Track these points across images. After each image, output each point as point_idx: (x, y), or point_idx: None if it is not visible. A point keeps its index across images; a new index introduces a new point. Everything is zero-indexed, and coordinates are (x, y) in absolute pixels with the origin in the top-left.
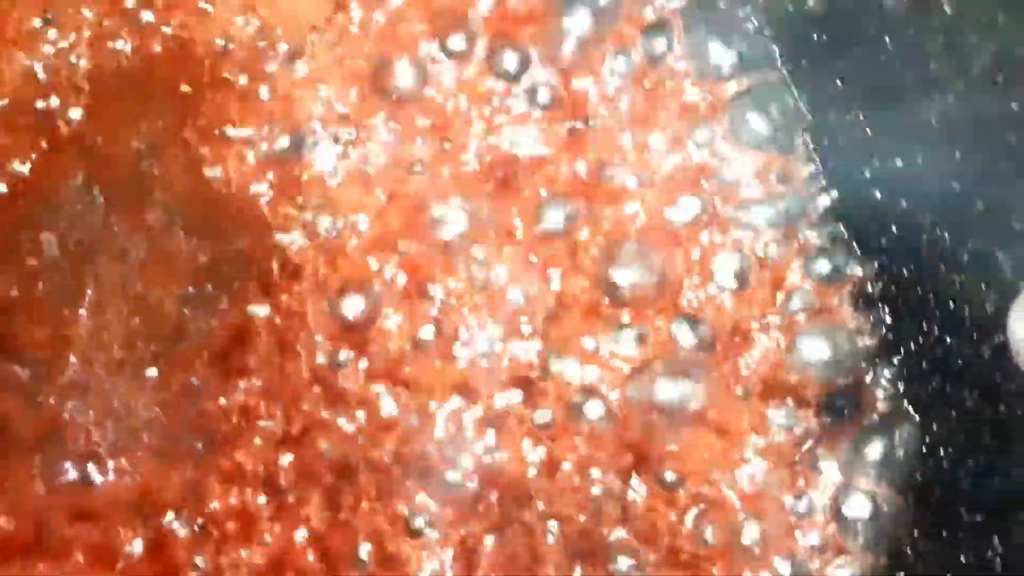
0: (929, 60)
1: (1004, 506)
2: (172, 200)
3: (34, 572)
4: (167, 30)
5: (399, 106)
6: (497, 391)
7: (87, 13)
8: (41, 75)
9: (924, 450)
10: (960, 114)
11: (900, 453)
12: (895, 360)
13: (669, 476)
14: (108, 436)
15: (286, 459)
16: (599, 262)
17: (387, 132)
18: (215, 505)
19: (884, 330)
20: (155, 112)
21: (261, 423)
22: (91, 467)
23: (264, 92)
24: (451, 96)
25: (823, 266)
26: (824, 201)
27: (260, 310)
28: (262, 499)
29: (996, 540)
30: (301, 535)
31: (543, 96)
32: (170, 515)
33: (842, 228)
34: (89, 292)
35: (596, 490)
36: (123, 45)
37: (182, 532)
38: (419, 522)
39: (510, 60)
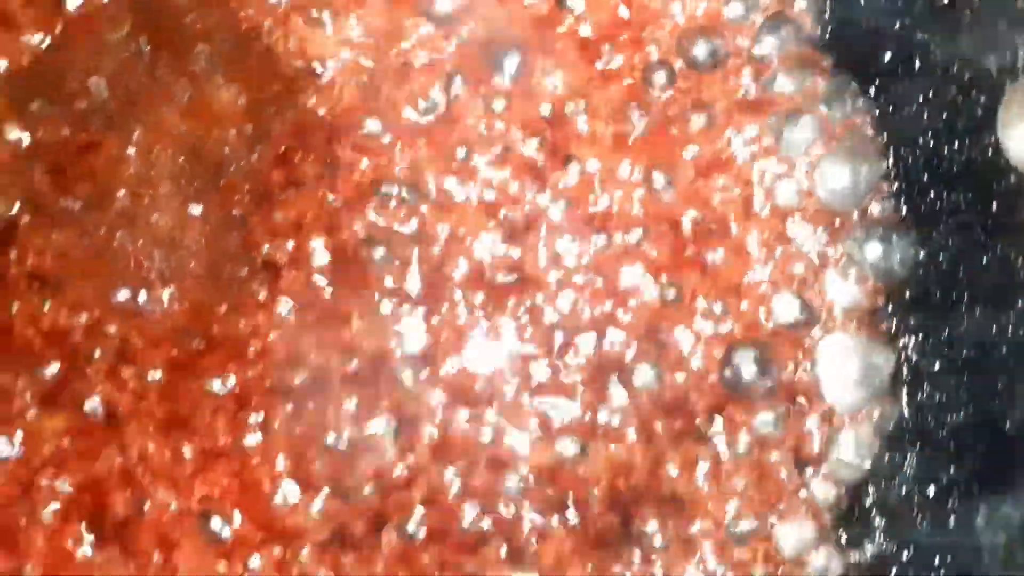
0: None
1: (1001, 295)
2: (214, 50)
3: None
4: None
5: None
6: None
7: None
8: None
9: (921, 257)
10: None
11: (897, 259)
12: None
13: None
14: (156, 264)
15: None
16: None
17: None
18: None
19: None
20: None
21: (297, 250)
22: (142, 293)
23: None
24: None
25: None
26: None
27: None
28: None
29: (994, 330)
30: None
31: None
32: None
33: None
34: (136, 132)
35: None
36: None
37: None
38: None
39: None
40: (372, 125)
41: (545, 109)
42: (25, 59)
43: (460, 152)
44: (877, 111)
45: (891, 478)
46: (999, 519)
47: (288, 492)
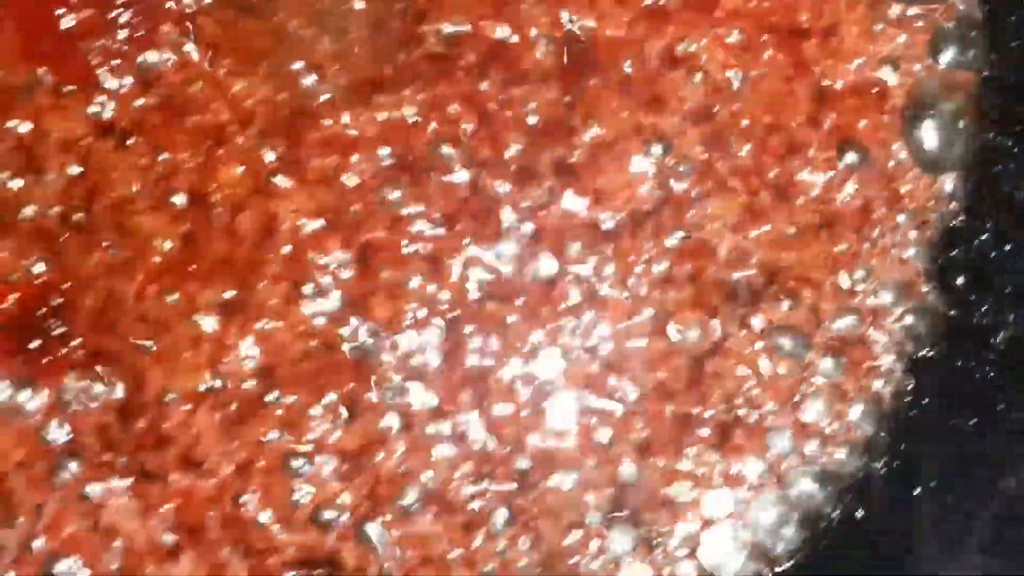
0: None
1: None
2: None
3: None
4: None
5: None
6: None
7: None
8: None
9: None
10: None
11: None
12: None
13: None
14: (326, 48)
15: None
16: None
17: None
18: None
19: None
20: None
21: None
22: (310, 78)
23: None
24: None
25: None
26: None
27: None
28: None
29: None
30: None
31: None
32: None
33: None
34: None
35: None
36: None
37: None
38: None
39: None
40: None
41: None
42: None
43: None
44: None
45: None
46: None
47: None
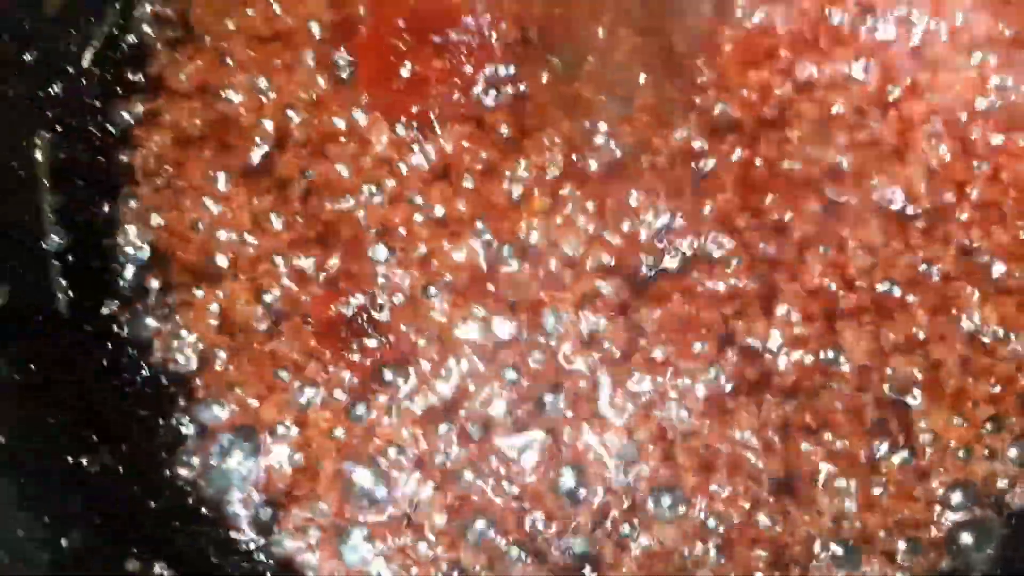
0: None
1: None
2: None
3: None
4: None
5: None
6: None
7: None
8: None
9: None
10: None
11: None
12: None
13: None
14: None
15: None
16: None
17: None
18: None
19: None
20: None
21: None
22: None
23: None
24: None
25: None
26: None
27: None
28: None
29: None
30: None
31: None
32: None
33: None
34: (604, 25)
35: None
36: None
37: None
38: None
39: None
40: None
41: None
42: None
43: None
44: None
45: None
46: None
47: None
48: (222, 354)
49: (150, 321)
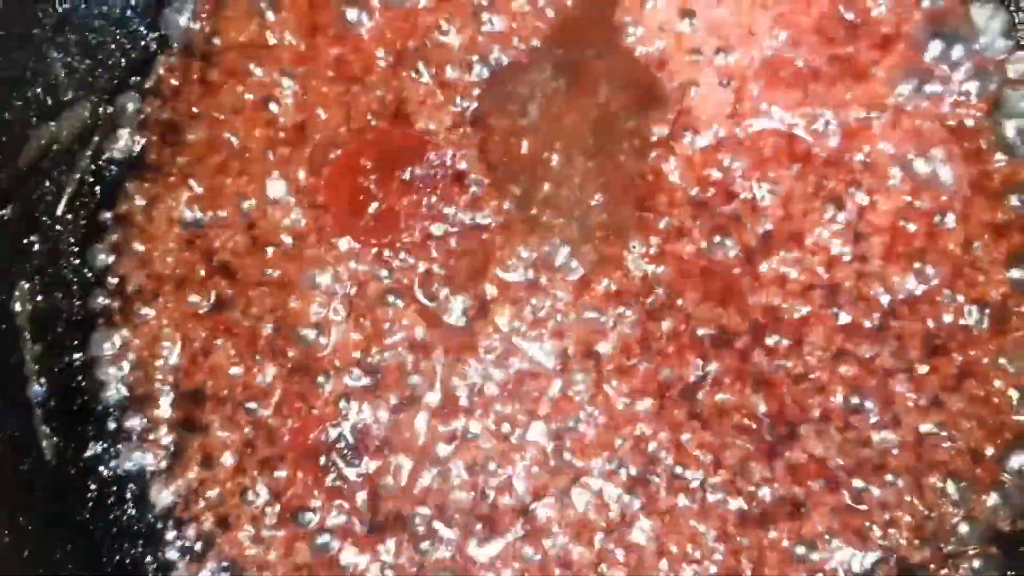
0: None
1: None
2: (609, 82)
3: None
4: None
5: None
6: None
7: None
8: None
9: None
10: None
11: None
12: None
13: None
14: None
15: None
16: None
17: None
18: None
19: None
20: (594, 33)
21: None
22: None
23: None
24: None
25: None
26: None
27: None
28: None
29: None
30: None
31: None
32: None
33: None
34: (557, 144)
35: None
36: None
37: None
38: None
39: None
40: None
41: None
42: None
43: None
44: None
45: None
46: None
47: None
48: (204, 489)
49: (133, 460)
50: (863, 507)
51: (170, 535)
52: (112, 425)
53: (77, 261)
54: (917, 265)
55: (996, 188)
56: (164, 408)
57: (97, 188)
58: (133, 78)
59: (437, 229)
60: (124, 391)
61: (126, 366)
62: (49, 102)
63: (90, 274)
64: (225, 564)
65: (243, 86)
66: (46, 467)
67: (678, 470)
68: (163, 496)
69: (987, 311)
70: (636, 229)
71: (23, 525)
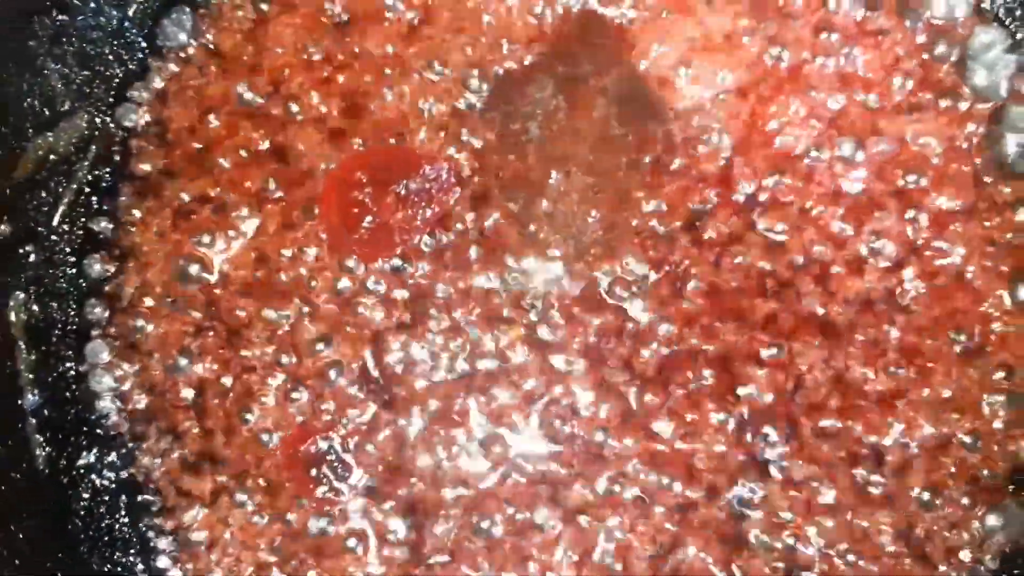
0: None
1: None
2: (610, 101)
3: None
4: None
5: None
6: None
7: None
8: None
9: None
10: None
11: None
12: None
13: None
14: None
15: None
16: None
17: None
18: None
19: None
20: (602, 53)
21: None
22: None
23: None
24: None
25: None
26: None
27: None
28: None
29: None
30: None
31: None
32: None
33: None
34: (557, 168)
35: None
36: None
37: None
38: None
39: None
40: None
41: None
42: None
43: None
44: None
45: None
46: None
47: None
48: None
49: (125, 470)
50: None
51: (162, 544)
52: (105, 435)
53: (73, 271)
54: None
55: None
56: (157, 418)
57: (94, 199)
58: (130, 90)
59: (430, 242)
60: (118, 402)
61: (121, 377)
62: (46, 113)
63: (85, 285)
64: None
65: (241, 95)
66: (39, 476)
67: None
68: (155, 502)
69: None
70: (631, 248)
71: (14, 533)
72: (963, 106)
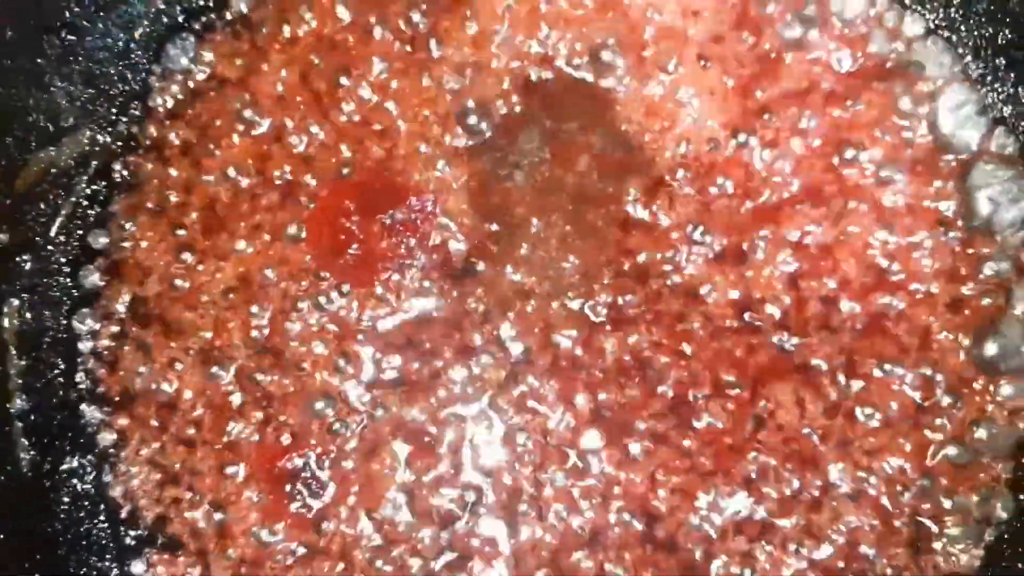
0: None
1: None
2: (591, 153)
3: None
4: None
5: None
6: None
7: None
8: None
9: None
10: None
11: None
12: None
13: None
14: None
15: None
16: None
17: None
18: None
19: None
20: (582, 107)
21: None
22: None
23: None
24: None
25: None
26: None
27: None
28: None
29: None
30: None
31: None
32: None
33: None
34: (539, 214)
35: None
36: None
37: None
38: None
39: None
40: None
41: None
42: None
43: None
44: None
45: None
46: None
47: None
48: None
49: (107, 475)
50: None
51: (138, 549)
52: (90, 441)
53: (67, 281)
54: None
55: None
56: (143, 427)
57: (91, 212)
58: (132, 109)
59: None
60: (106, 409)
61: (109, 385)
62: (50, 128)
63: (78, 295)
64: None
65: (239, 120)
66: (22, 478)
67: None
68: (134, 509)
69: None
70: (605, 291)
71: None
72: None
